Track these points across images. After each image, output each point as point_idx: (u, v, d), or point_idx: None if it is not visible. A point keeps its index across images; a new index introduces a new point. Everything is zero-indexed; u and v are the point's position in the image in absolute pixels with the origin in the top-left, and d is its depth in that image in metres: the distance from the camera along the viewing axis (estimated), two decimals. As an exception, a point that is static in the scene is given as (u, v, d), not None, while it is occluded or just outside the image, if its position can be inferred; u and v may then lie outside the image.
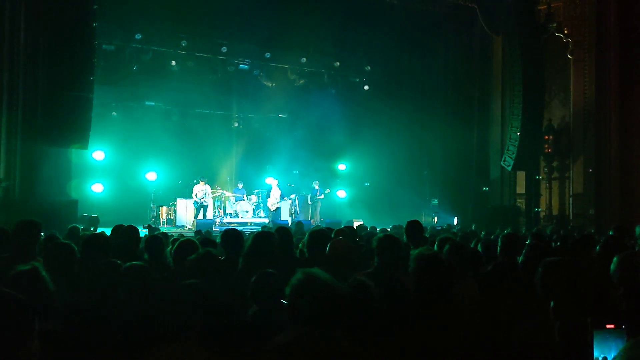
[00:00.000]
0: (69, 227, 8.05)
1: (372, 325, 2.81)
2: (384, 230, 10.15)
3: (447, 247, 4.61)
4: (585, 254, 5.16)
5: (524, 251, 4.83)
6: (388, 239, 4.28)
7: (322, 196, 18.55)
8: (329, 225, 12.23)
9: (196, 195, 17.13)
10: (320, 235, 5.08)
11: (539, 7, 16.88)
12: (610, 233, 7.60)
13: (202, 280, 3.42)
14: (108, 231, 6.72)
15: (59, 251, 4.09)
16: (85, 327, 3.15)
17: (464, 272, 4.34)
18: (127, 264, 3.72)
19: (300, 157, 20.44)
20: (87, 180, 16.92)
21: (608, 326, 2.32)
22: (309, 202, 18.79)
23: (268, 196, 18.11)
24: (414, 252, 3.29)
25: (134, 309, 3.29)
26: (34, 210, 11.17)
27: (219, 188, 18.61)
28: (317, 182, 18.76)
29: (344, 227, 7.78)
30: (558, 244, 6.52)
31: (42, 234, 5.44)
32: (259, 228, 12.79)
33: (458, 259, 4.37)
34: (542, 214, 16.96)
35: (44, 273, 3.16)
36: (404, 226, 6.00)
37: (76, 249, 4.22)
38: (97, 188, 17.31)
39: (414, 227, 5.78)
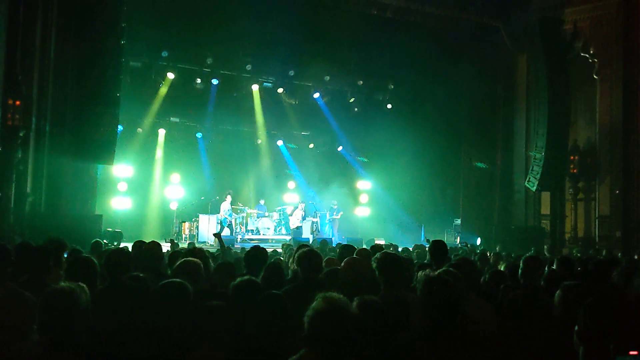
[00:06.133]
0: (92, 241, 8.14)
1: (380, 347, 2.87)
2: (405, 250, 10.06)
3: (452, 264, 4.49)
4: (606, 278, 5.03)
5: (544, 275, 4.71)
6: (386, 258, 4.13)
7: (340, 215, 18.71)
8: (349, 243, 12.20)
9: (224, 212, 17.24)
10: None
11: (565, 27, 16.77)
12: (635, 257, 7.45)
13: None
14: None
15: (80, 265, 4.11)
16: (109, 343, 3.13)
17: (468, 291, 4.18)
18: (167, 280, 3.51)
19: (323, 174, 20.46)
20: (111, 196, 17.12)
21: (631, 353, 2.26)
22: (327, 221, 18.94)
23: (291, 214, 18.13)
24: (420, 275, 3.26)
25: (168, 325, 3.16)
26: (59, 224, 11.34)
27: (240, 204, 18.70)
28: (335, 201, 18.94)
29: (363, 247, 7.66)
30: (578, 269, 6.37)
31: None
32: (279, 245, 12.79)
33: (466, 278, 4.21)
34: (567, 236, 16.70)
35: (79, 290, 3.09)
36: (426, 246, 5.88)
37: (97, 263, 4.24)
38: (121, 203, 17.50)
39: (439, 247, 5.57)
